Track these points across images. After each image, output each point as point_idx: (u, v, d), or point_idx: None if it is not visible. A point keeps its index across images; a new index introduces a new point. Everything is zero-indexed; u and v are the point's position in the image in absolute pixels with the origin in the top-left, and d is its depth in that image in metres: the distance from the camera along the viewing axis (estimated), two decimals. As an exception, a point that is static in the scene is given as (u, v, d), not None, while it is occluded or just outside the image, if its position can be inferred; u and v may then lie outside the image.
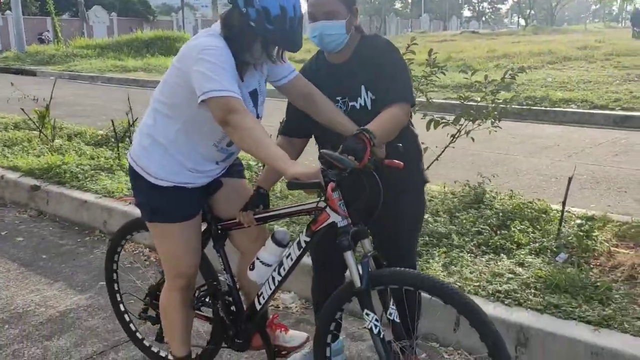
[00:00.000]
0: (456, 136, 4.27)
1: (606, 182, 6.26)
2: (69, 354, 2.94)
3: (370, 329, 2.07)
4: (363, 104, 2.37)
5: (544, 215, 4.05)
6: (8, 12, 25.08)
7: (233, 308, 2.55)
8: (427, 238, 3.64)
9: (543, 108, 10.72)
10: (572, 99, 10.97)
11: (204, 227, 2.51)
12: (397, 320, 2.15)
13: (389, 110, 2.26)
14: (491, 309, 2.84)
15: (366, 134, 2.06)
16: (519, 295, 2.95)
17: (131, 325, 2.92)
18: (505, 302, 2.90)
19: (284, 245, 2.30)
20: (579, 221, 3.90)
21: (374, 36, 2.48)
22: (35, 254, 4.24)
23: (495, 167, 6.81)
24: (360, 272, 2.06)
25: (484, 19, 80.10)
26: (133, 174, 2.35)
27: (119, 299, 2.94)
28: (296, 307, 3.42)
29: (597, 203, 5.42)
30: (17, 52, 23.17)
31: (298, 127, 2.54)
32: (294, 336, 2.61)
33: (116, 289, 2.93)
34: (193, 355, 2.74)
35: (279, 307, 3.41)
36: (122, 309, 2.93)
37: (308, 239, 2.20)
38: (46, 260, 4.13)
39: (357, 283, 2.06)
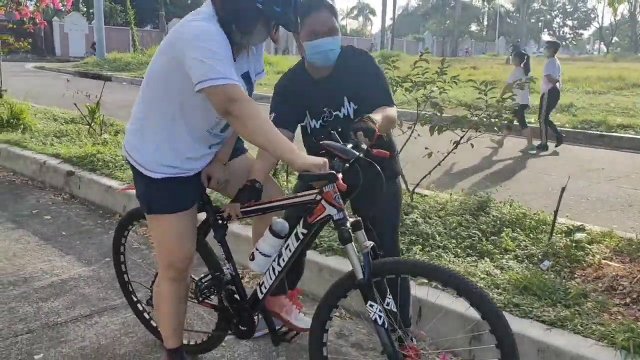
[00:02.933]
0: (459, 143, 4.29)
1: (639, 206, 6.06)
2: (58, 314, 3.19)
3: (375, 320, 2.04)
4: (346, 114, 2.48)
5: (543, 226, 4.01)
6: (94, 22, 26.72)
7: (236, 296, 2.53)
8: (413, 237, 3.69)
9: (598, 132, 10.43)
10: (631, 124, 10.59)
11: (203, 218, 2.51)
12: (395, 309, 2.15)
13: (383, 108, 2.35)
14: (451, 302, 2.87)
15: (370, 118, 2.15)
16: (484, 293, 2.96)
17: (132, 296, 3.02)
18: (468, 299, 2.92)
19: (281, 237, 2.27)
20: (578, 234, 3.85)
21: (350, 47, 2.54)
22: (57, 231, 4.58)
23: (528, 184, 6.71)
24: (362, 263, 2.04)
25: (564, 43, 77.87)
26: (131, 166, 2.35)
27: (126, 279, 3.03)
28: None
29: (620, 224, 5.26)
30: (97, 58, 24.59)
31: (288, 119, 2.52)
32: (304, 319, 2.53)
33: (123, 269, 3.02)
34: (199, 341, 2.80)
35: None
36: (126, 279, 3.03)
37: (305, 231, 2.19)
38: (65, 237, 4.45)
39: (359, 275, 2.04)
